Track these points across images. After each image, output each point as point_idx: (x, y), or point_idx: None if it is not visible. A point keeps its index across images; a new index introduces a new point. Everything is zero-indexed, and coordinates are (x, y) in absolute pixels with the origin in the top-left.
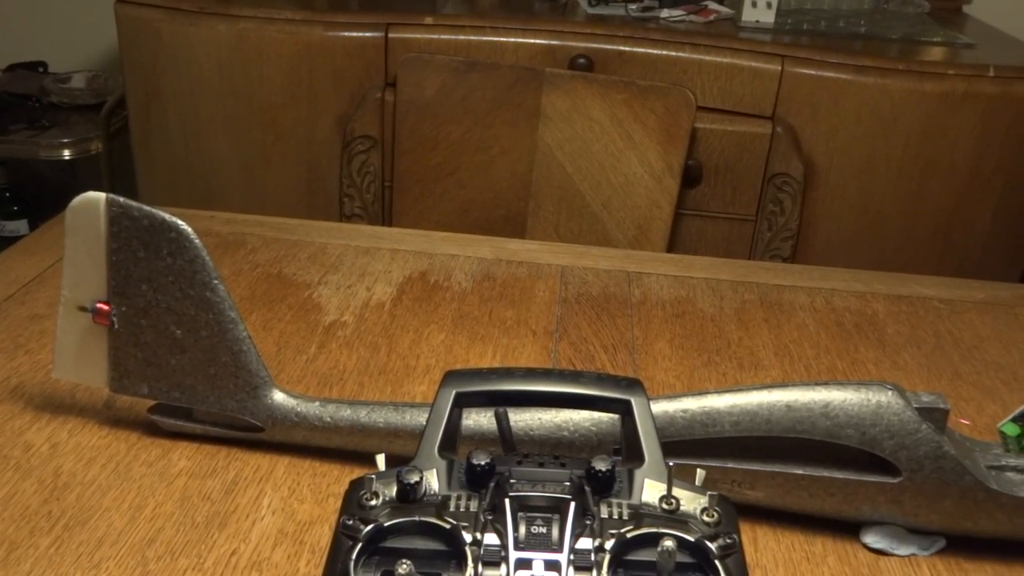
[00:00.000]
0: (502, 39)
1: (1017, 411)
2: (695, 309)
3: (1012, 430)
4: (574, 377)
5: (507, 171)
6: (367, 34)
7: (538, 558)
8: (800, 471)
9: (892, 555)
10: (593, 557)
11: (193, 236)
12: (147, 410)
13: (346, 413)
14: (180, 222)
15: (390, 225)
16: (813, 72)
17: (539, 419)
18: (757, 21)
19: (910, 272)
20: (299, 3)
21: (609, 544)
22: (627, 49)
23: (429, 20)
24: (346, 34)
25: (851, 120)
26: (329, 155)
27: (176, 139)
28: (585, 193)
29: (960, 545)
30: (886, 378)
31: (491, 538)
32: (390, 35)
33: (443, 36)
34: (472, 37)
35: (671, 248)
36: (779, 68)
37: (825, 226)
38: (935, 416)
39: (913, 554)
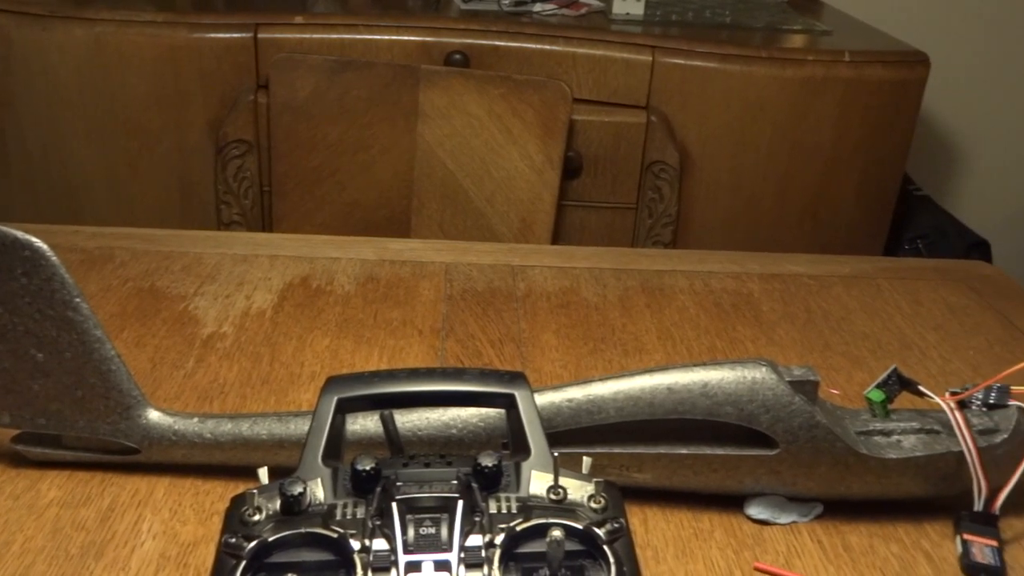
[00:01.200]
0: (376, 37)
1: (881, 377)
2: (579, 299)
3: (877, 396)
4: (457, 375)
5: (388, 170)
6: (235, 35)
7: (428, 559)
8: (684, 450)
9: (775, 524)
10: (483, 553)
11: (49, 253)
12: (11, 440)
13: (227, 427)
14: (34, 239)
15: (271, 231)
16: (682, 62)
17: (427, 419)
18: (627, 13)
19: (782, 251)
20: (160, 4)
21: (499, 539)
22: (502, 44)
23: (299, 19)
24: (212, 35)
25: (720, 107)
26: (202, 161)
27: (34, 151)
28: (468, 189)
29: (836, 509)
30: (763, 354)
31: (380, 543)
32: (259, 35)
33: (315, 35)
34: (345, 36)
35: (556, 239)
36: (650, 59)
37: (702, 211)
38: (806, 388)
39: (794, 521)
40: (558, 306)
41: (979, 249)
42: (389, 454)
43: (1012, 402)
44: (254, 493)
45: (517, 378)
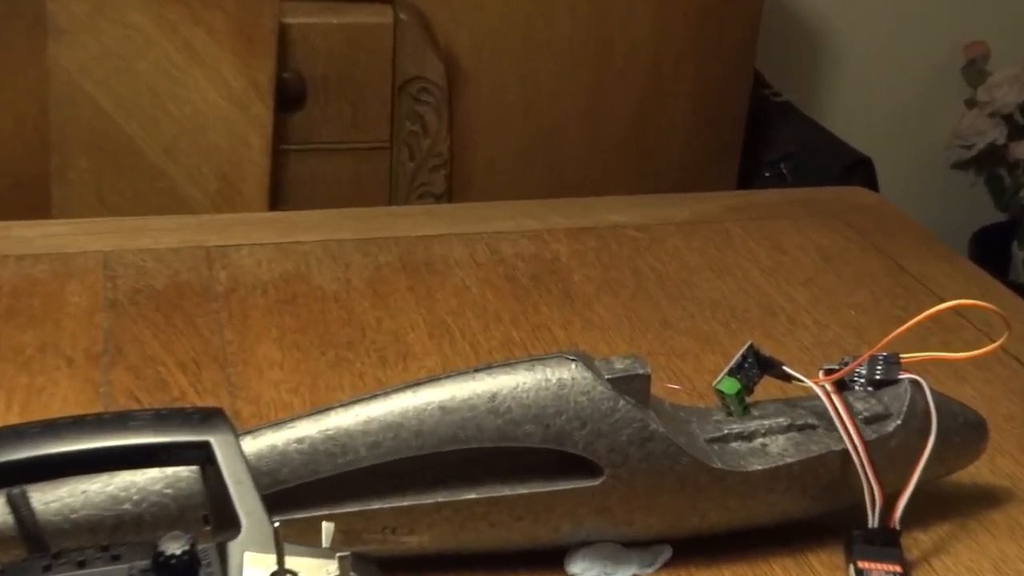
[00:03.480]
0: None
1: (733, 361)
2: (311, 288)
3: (730, 387)
4: (119, 422)
5: (8, 116)
6: None
7: None
8: (473, 495)
9: None
10: None
11: None
12: None
13: None
14: None
15: None
16: None
17: (83, 493)
18: None
19: (597, 194)
20: None
21: None
22: None
23: None
24: None
25: None
26: None
27: None
28: (135, 136)
29: (689, 550)
30: (577, 343)
31: None
32: None
33: None
34: None
35: (276, 203)
36: None
37: (485, 146)
38: (635, 386)
39: (634, 575)
40: (280, 302)
41: (860, 170)
42: (25, 552)
43: (903, 375)
44: None
45: (212, 417)
